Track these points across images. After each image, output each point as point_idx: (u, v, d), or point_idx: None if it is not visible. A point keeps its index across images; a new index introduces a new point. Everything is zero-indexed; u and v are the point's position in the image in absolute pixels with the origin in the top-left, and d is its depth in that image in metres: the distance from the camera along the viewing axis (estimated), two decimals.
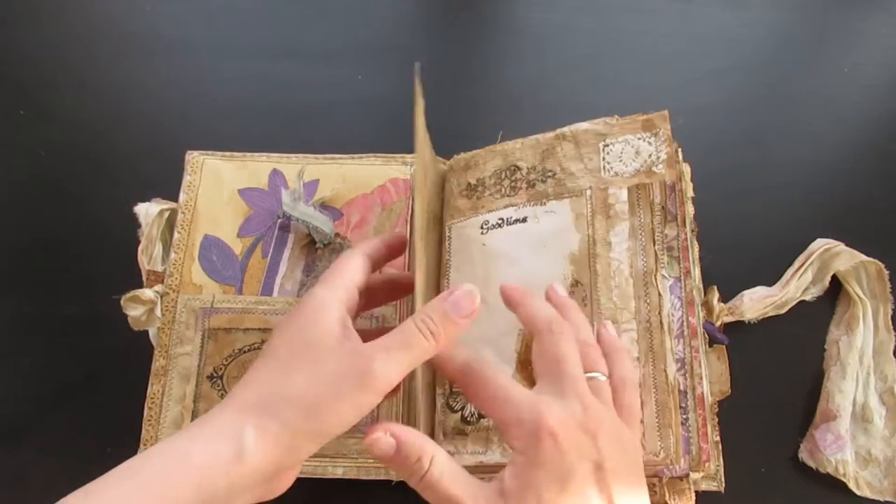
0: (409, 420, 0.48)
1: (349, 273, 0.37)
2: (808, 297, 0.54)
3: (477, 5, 0.69)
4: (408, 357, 0.33)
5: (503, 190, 0.51)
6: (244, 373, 0.34)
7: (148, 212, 0.52)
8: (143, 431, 0.48)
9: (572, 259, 0.47)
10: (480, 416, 0.46)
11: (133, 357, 0.52)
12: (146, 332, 0.51)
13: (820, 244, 0.55)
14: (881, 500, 0.49)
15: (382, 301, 0.45)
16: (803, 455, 0.50)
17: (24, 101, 0.61)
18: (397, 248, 0.41)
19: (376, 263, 0.40)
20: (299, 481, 0.47)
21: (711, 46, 0.66)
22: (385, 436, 0.32)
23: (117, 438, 0.50)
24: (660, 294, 0.45)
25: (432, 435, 0.47)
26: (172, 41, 0.64)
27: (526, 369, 0.46)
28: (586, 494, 0.31)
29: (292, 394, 0.31)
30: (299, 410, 0.31)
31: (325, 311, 0.34)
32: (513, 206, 0.50)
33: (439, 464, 0.32)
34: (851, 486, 0.49)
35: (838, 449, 0.49)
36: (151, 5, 0.66)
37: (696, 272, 0.51)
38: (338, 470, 0.47)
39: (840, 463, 0.49)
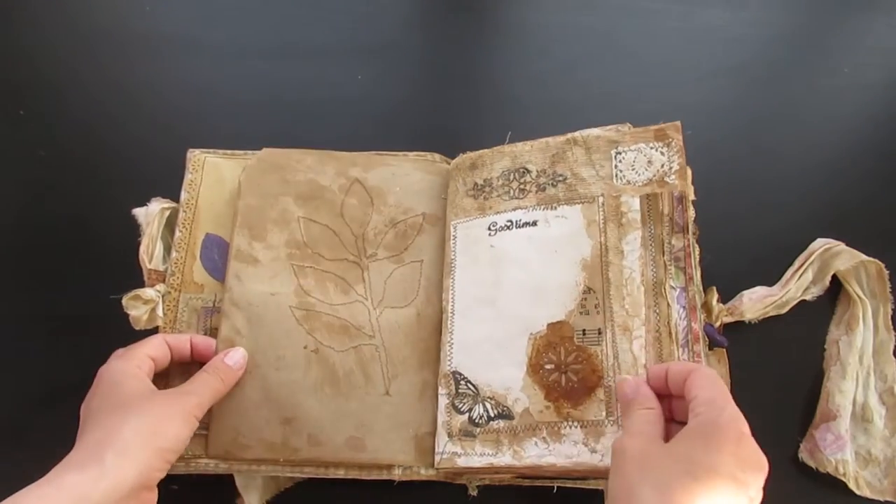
0: None
1: (143, 347, 0.45)
2: (808, 297, 0.54)
3: (477, 5, 0.69)
4: (211, 385, 0.45)
5: (511, 192, 0.51)
6: None
7: (148, 211, 0.52)
8: None
9: (584, 265, 0.48)
10: (490, 419, 0.46)
11: None
12: (148, 333, 0.50)
13: (820, 244, 0.55)
14: (881, 499, 0.49)
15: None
16: (803, 455, 0.50)
17: (24, 101, 0.61)
18: (182, 352, 0.48)
19: (175, 350, 0.48)
20: (302, 483, 0.48)
21: (711, 46, 0.66)
22: (633, 381, 0.43)
23: None
24: (669, 304, 0.45)
25: (433, 434, 0.47)
26: (172, 40, 0.64)
27: (537, 373, 0.46)
28: (724, 486, 0.35)
29: (135, 425, 0.40)
30: (144, 434, 0.39)
31: (126, 377, 0.43)
32: (521, 208, 0.50)
33: (653, 414, 0.41)
34: (851, 485, 0.49)
35: (838, 449, 0.49)
36: (152, 5, 0.66)
37: (697, 275, 0.51)
38: (339, 471, 0.47)
39: (840, 463, 0.49)
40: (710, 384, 0.39)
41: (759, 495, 0.36)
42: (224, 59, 0.64)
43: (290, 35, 0.65)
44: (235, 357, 0.47)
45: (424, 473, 0.48)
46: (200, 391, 0.44)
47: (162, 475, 0.40)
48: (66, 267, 0.55)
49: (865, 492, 0.49)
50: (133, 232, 0.54)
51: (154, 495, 0.40)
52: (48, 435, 0.50)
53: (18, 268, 0.55)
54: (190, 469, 0.47)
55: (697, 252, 0.51)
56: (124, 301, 0.49)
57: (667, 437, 0.39)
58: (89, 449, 0.39)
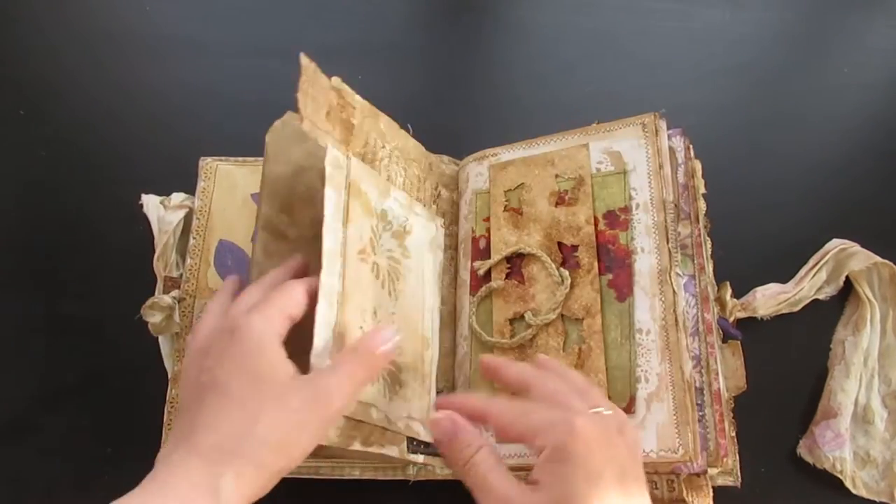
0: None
1: (290, 305, 0.36)
2: (821, 296, 0.55)
3: (477, 5, 0.69)
4: (359, 375, 0.35)
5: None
6: None
7: (166, 219, 0.53)
8: (164, 435, 0.48)
9: None
10: None
11: (133, 357, 0.52)
12: (147, 333, 0.51)
13: (835, 244, 0.55)
14: (877, 500, 0.49)
15: None
16: (802, 451, 0.50)
17: (24, 101, 0.61)
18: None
19: (313, 300, 0.38)
20: (317, 483, 0.47)
21: (711, 46, 0.66)
22: (447, 420, 0.35)
23: (117, 438, 0.50)
24: (674, 292, 0.45)
25: None
26: (173, 40, 0.64)
27: None
28: (611, 496, 0.31)
29: (262, 436, 0.32)
30: (271, 450, 0.32)
31: (268, 345, 0.34)
32: None
33: (485, 453, 0.34)
34: (848, 484, 0.49)
35: (837, 446, 0.49)
36: (152, 4, 0.66)
37: (709, 268, 0.51)
38: (355, 471, 0.47)
39: (838, 460, 0.49)
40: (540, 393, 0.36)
41: None
42: (224, 59, 0.64)
43: (290, 35, 0.65)
44: (389, 338, 0.37)
45: (440, 473, 0.48)
46: (344, 389, 0.34)
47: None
48: (66, 267, 0.55)
49: (862, 492, 0.49)
50: (133, 231, 0.54)
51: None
52: (48, 435, 0.50)
53: (18, 268, 0.55)
54: None
55: (709, 245, 0.52)
56: (143, 309, 0.49)
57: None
58: (201, 458, 0.31)
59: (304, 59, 0.44)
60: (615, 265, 0.46)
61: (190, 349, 0.37)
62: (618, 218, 0.47)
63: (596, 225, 0.48)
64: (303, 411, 0.33)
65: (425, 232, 0.50)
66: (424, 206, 0.51)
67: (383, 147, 0.48)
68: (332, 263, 0.39)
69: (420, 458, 0.45)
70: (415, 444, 0.44)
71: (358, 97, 0.47)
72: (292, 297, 0.37)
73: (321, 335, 0.37)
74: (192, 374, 0.35)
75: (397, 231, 0.47)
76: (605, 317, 0.46)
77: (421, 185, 0.52)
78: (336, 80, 0.46)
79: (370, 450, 0.40)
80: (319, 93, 0.44)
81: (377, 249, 0.44)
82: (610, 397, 0.44)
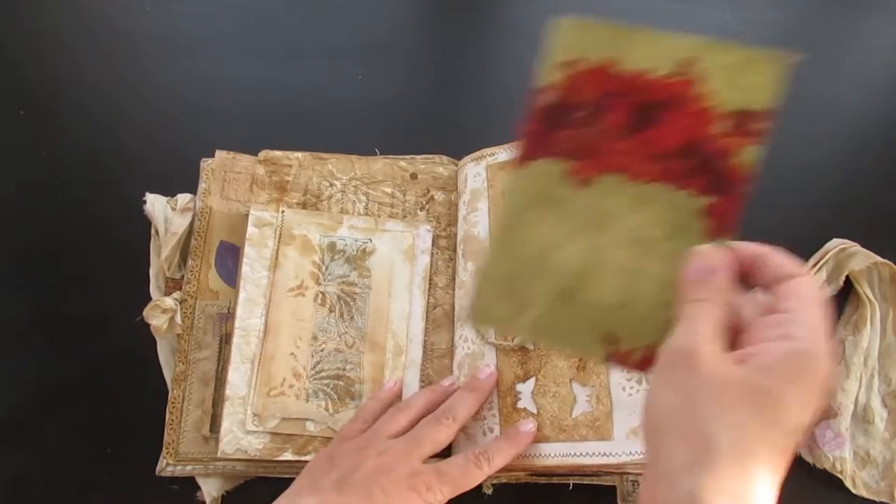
0: None
1: (423, 446, 0.45)
2: None
3: (477, 5, 0.69)
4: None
5: None
6: None
7: (175, 221, 0.53)
8: (166, 435, 0.48)
9: None
10: None
11: (133, 357, 0.52)
12: (147, 333, 0.51)
13: (835, 244, 0.55)
14: (877, 500, 0.49)
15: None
16: (802, 450, 0.50)
17: (24, 101, 0.61)
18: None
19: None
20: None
21: None
22: (716, 257, 0.32)
23: (117, 438, 0.50)
24: None
25: None
26: (173, 41, 0.64)
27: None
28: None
29: None
30: None
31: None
32: None
33: (719, 312, 0.31)
34: (848, 484, 0.49)
35: (837, 446, 0.49)
36: (152, 5, 0.66)
37: None
38: None
39: (838, 460, 0.49)
40: (811, 301, 0.30)
41: None
42: (224, 59, 0.64)
43: (290, 35, 0.65)
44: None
45: None
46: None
47: None
48: (66, 267, 0.55)
49: (862, 491, 0.49)
50: (134, 232, 0.54)
51: None
52: (48, 435, 0.50)
53: (18, 268, 0.55)
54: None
55: None
56: (145, 312, 0.50)
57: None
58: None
59: (220, 154, 0.55)
60: (724, 187, 0.33)
61: (337, 437, 0.46)
62: (753, 123, 0.34)
63: (718, 123, 0.33)
64: None
65: (397, 244, 0.53)
66: (404, 217, 0.55)
67: (332, 185, 0.55)
68: (250, 309, 0.50)
69: None
70: None
71: (297, 154, 0.56)
72: (436, 443, 0.44)
73: (237, 369, 0.49)
74: (332, 457, 0.43)
75: (353, 255, 0.53)
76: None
77: (396, 199, 0.56)
78: (264, 153, 0.55)
79: (307, 458, 0.46)
80: (237, 174, 0.55)
81: (323, 280, 0.52)
82: None
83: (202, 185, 0.55)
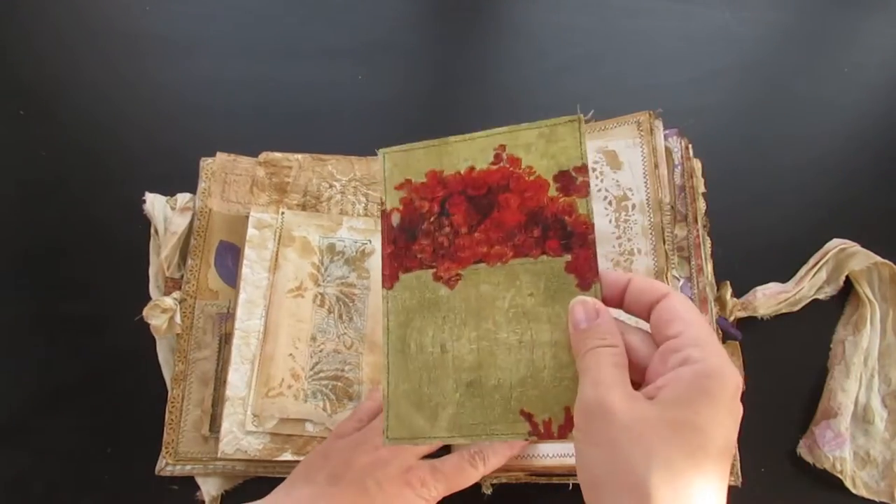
0: None
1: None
2: (821, 296, 0.55)
3: (477, 5, 0.69)
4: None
5: None
6: None
7: (174, 221, 0.53)
8: (165, 435, 0.49)
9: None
10: None
11: (133, 357, 0.52)
12: (147, 333, 0.51)
13: (835, 244, 0.55)
14: (877, 500, 0.49)
15: None
16: (802, 450, 0.50)
17: (24, 101, 0.61)
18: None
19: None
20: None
21: (711, 46, 0.66)
22: (593, 305, 0.33)
23: (117, 438, 0.50)
24: None
25: None
26: (173, 41, 0.64)
27: None
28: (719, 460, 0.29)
29: None
30: None
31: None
32: None
33: (618, 353, 0.32)
34: (848, 484, 0.49)
35: (837, 446, 0.49)
36: (152, 5, 0.66)
37: (709, 268, 0.51)
38: None
39: (838, 460, 0.49)
40: (692, 317, 0.31)
41: None
42: (224, 60, 0.64)
43: (290, 35, 0.65)
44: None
45: None
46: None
47: None
48: (66, 267, 0.55)
49: (862, 491, 0.49)
50: (134, 231, 0.54)
51: None
52: (48, 435, 0.50)
53: (19, 268, 0.55)
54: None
55: (709, 244, 0.52)
56: (145, 312, 0.50)
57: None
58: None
59: (220, 156, 0.55)
60: (574, 243, 0.36)
61: (332, 435, 0.45)
62: (574, 181, 0.36)
63: (545, 191, 0.37)
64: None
65: None
66: None
67: (331, 186, 0.55)
68: (250, 310, 0.50)
69: None
70: None
71: (297, 155, 0.56)
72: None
73: (236, 370, 0.49)
74: (327, 454, 0.43)
75: (352, 256, 0.53)
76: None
77: None
78: (264, 155, 0.55)
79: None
80: (238, 176, 0.55)
81: (323, 281, 0.52)
82: None
83: (202, 185, 0.55)
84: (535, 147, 0.37)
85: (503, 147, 0.38)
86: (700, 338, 0.30)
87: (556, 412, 0.34)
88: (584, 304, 0.33)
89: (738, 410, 0.30)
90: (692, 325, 0.31)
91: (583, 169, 0.36)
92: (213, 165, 0.55)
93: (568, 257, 0.35)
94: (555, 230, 0.36)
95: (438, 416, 0.36)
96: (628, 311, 0.34)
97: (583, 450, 0.31)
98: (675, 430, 0.28)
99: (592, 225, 0.35)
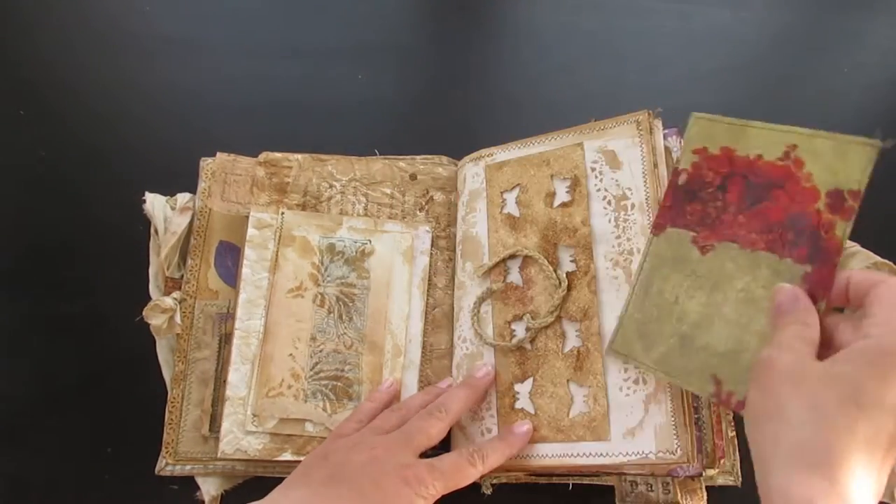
0: None
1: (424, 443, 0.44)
2: None
3: (477, 5, 0.69)
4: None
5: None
6: None
7: (174, 220, 0.53)
8: (165, 435, 0.49)
9: None
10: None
11: (133, 357, 0.52)
12: (147, 333, 0.51)
13: None
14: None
15: None
16: None
17: (24, 101, 0.61)
18: None
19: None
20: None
21: (711, 46, 0.66)
22: (793, 291, 0.37)
23: (117, 438, 0.50)
24: None
25: None
26: (172, 41, 0.64)
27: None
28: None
29: None
30: None
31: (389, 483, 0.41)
32: None
33: (810, 332, 0.35)
34: None
35: None
36: (152, 5, 0.66)
37: None
38: None
39: None
40: (893, 302, 0.33)
41: None
42: (224, 60, 0.64)
43: (290, 35, 0.65)
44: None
45: None
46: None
47: None
48: (65, 267, 0.55)
49: None
50: (133, 231, 0.54)
51: None
52: (48, 435, 0.50)
53: (18, 267, 0.55)
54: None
55: None
56: (145, 312, 0.50)
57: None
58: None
59: (221, 157, 0.55)
60: (819, 258, 0.37)
61: (332, 435, 0.45)
62: (843, 202, 0.38)
63: (814, 202, 0.38)
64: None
65: (396, 245, 0.53)
66: (404, 218, 0.55)
67: (331, 187, 0.55)
68: (250, 310, 0.50)
69: None
70: None
71: (297, 155, 0.56)
72: (428, 437, 0.43)
73: (237, 370, 0.49)
74: (326, 454, 0.43)
75: (352, 257, 0.53)
76: None
77: (395, 200, 0.55)
78: (264, 155, 0.55)
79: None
80: (238, 176, 0.55)
81: (322, 281, 0.52)
82: None
83: (202, 185, 0.55)
84: (823, 157, 0.39)
85: (794, 147, 0.40)
86: (886, 318, 0.32)
87: (740, 390, 0.38)
88: (785, 290, 0.37)
89: None
90: (886, 306, 0.32)
91: (857, 194, 0.38)
92: (213, 166, 0.55)
93: (808, 268, 0.37)
94: (808, 240, 0.38)
95: (651, 349, 0.42)
96: (856, 307, 0.35)
97: (749, 396, 0.34)
98: (833, 381, 0.31)
99: (843, 249, 0.37)
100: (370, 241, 0.53)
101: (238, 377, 0.49)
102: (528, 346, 0.47)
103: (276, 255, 0.52)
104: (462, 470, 0.42)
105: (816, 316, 0.35)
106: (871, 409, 0.30)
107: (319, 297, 0.51)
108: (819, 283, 0.37)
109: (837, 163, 0.38)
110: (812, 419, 0.30)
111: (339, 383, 0.50)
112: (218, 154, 0.55)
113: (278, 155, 0.55)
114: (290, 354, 0.50)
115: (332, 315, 0.51)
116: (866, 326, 0.32)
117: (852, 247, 0.54)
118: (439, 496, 0.41)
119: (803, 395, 0.31)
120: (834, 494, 0.28)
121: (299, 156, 0.56)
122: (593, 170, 0.49)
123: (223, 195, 0.54)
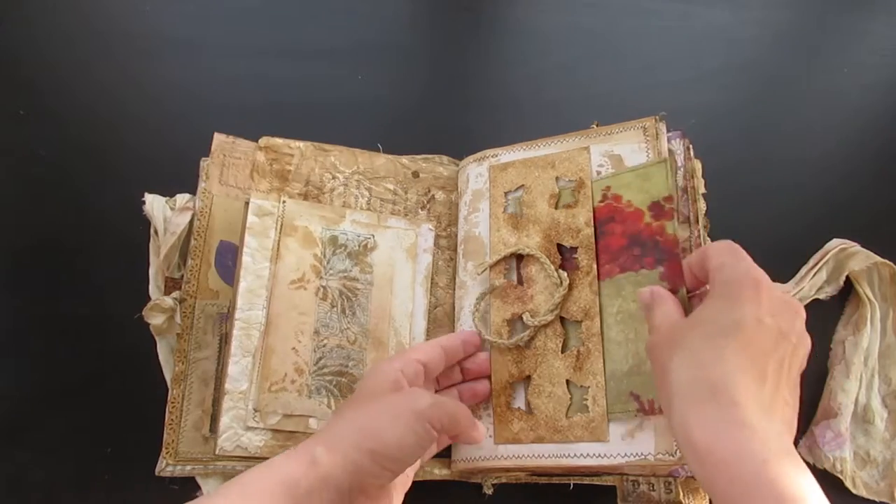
0: None
1: (414, 351, 0.44)
2: (822, 296, 0.55)
3: (477, 5, 0.69)
4: (448, 409, 0.39)
5: None
6: None
7: (173, 221, 0.53)
8: (165, 435, 0.48)
9: None
10: None
11: (133, 357, 0.52)
12: (147, 333, 0.51)
13: (835, 244, 0.55)
14: (877, 500, 0.49)
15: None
16: (802, 451, 0.50)
17: (24, 101, 0.61)
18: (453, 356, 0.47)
19: (450, 358, 0.47)
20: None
21: (711, 46, 0.66)
22: (647, 292, 0.41)
23: (117, 438, 0.50)
24: None
25: None
26: (172, 41, 0.64)
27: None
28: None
29: (356, 423, 0.38)
30: (360, 432, 0.37)
31: (382, 374, 0.42)
32: None
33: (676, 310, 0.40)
34: (848, 484, 0.49)
35: (837, 446, 0.50)
36: (151, 5, 0.66)
37: None
38: (444, 471, 0.49)
39: (838, 460, 0.49)
40: (723, 250, 0.38)
41: (805, 340, 0.35)
42: (223, 59, 0.64)
43: (290, 35, 0.65)
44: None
45: (439, 473, 0.48)
46: (443, 400, 0.40)
47: (379, 481, 0.37)
48: (65, 267, 0.55)
49: (862, 491, 0.49)
50: (133, 231, 0.54)
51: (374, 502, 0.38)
52: (48, 435, 0.50)
53: (18, 268, 0.55)
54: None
55: None
56: (144, 311, 0.49)
57: None
58: (310, 440, 0.38)
59: (218, 137, 0.54)
60: (665, 257, 0.44)
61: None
62: (662, 208, 0.45)
63: (641, 219, 0.46)
64: (390, 407, 0.38)
65: (399, 241, 0.53)
66: (406, 215, 0.55)
67: (334, 178, 0.55)
68: (251, 300, 0.49)
69: None
70: None
71: (298, 143, 0.55)
72: (424, 346, 0.46)
73: (237, 362, 0.48)
74: None
75: (355, 251, 0.52)
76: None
77: (398, 196, 0.55)
78: (265, 139, 0.55)
79: None
80: (236, 159, 0.54)
81: (325, 273, 0.51)
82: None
83: (202, 185, 0.55)
84: (632, 186, 0.47)
85: (608, 188, 0.48)
86: (721, 262, 0.37)
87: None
88: (643, 291, 0.41)
89: (764, 297, 0.34)
90: (717, 255, 0.37)
91: (670, 198, 0.45)
92: (212, 148, 0.54)
93: (661, 269, 0.43)
94: (651, 248, 0.44)
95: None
96: (710, 283, 0.38)
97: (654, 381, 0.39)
98: (697, 326, 0.35)
99: (678, 241, 0.44)
100: (373, 236, 0.53)
101: (238, 370, 0.48)
102: (527, 345, 0.47)
103: (278, 244, 0.51)
104: (460, 412, 0.41)
105: (675, 298, 0.40)
106: (733, 331, 0.33)
107: (322, 289, 0.50)
108: (673, 276, 0.43)
109: (645, 184, 0.46)
110: (691, 363, 0.33)
111: (343, 379, 0.49)
112: (215, 135, 0.55)
113: (279, 140, 0.55)
114: (294, 348, 0.49)
115: (335, 309, 0.50)
116: (711, 277, 0.37)
117: (852, 247, 0.54)
118: (424, 409, 0.38)
119: (677, 349, 0.35)
120: (729, 415, 0.31)
121: (301, 143, 0.55)
122: (599, 173, 0.49)
123: (221, 178, 0.53)
